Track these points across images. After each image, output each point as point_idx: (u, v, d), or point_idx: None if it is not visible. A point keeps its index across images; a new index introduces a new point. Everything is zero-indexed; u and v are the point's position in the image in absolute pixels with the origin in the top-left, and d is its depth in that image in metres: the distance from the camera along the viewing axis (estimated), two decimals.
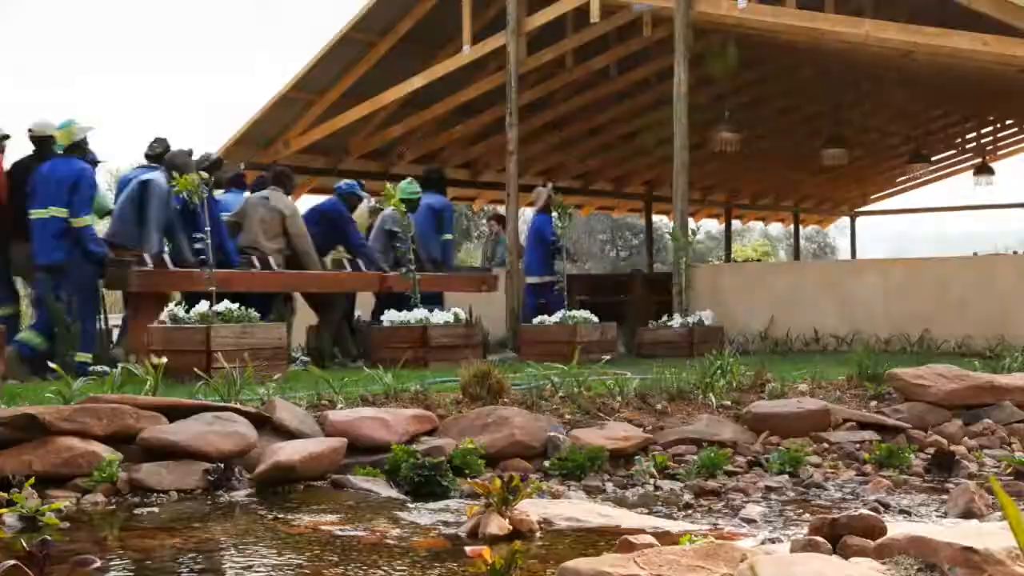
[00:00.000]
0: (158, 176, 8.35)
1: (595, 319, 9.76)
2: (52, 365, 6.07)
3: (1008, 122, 19.73)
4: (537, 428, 5.06)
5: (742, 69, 14.70)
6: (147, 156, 8.79)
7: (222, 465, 4.29)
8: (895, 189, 24.02)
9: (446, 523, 3.75)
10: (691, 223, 11.97)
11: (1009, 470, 4.95)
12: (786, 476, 4.84)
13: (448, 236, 10.92)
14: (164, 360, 5.29)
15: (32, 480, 3.87)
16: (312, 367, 7.07)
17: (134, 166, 9.46)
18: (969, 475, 4.88)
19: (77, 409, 4.36)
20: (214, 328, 6.85)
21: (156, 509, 3.94)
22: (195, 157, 8.83)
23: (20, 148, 8.44)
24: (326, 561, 3.22)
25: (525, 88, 13.25)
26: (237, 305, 7.15)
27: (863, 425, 5.57)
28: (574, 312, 9.64)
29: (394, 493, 4.31)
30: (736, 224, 26.76)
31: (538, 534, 3.53)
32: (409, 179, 10.46)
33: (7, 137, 8.32)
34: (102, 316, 8.33)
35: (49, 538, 2.81)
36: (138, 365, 5.78)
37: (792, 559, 2.34)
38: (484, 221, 11.77)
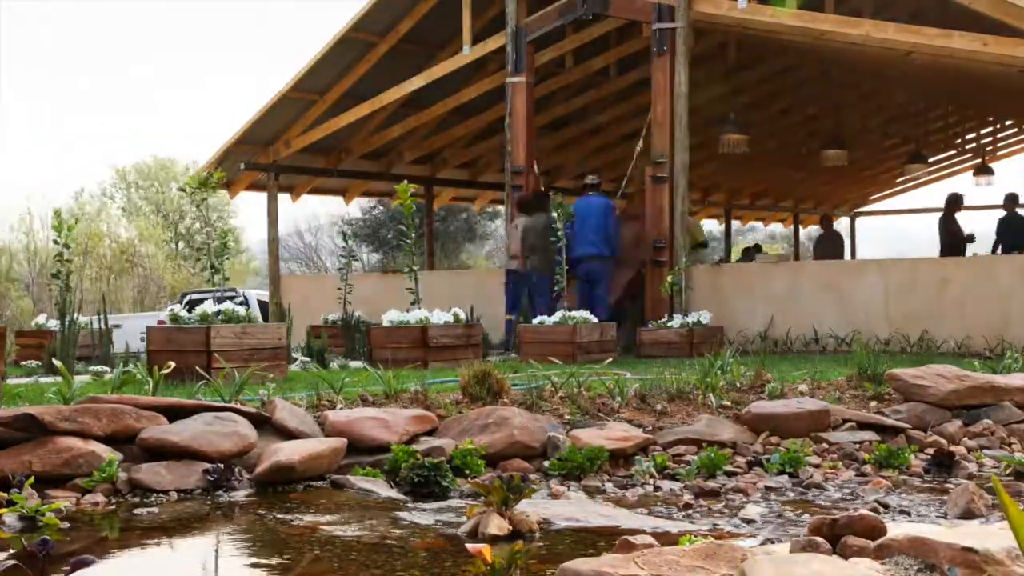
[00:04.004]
0: None
1: (594, 319, 9.77)
2: None
3: (1008, 122, 19.74)
4: (537, 428, 5.06)
5: (742, 70, 14.72)
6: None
7: (222, 465, 4.29)
8: (895, 189, 24.03)
9: (446, 523, 3.75)
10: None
11: (1009, 470, 4.95)
12: (786, 476, 4.84)
13: None
14: (171, 365, 5.30)
15: (32, 480, 3.87)
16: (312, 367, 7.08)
17: None
18: (969, 475, 4.88)
19: (77, 409, 4.35)
20: (214, 328, 6.85)
21: (156, 509, 3.94)
22: None
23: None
24: (326, 561, 3.22)
25: None
26: None
27: (863, 425, 5.57)
28: (573, 312, 9.65)
29: (394, 493, 4.31)
30: (736, 224, 26.77)
31: (538, 534, 3.53)
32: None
33: None
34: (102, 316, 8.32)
35: (49, 538, 2.81)
36: None
37: (792, 559, 2.34)
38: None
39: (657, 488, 4.63)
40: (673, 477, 4.82)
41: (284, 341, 7.61)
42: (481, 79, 13.99)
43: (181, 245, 37.74)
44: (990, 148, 20.82)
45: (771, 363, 7.50)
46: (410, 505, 4.10)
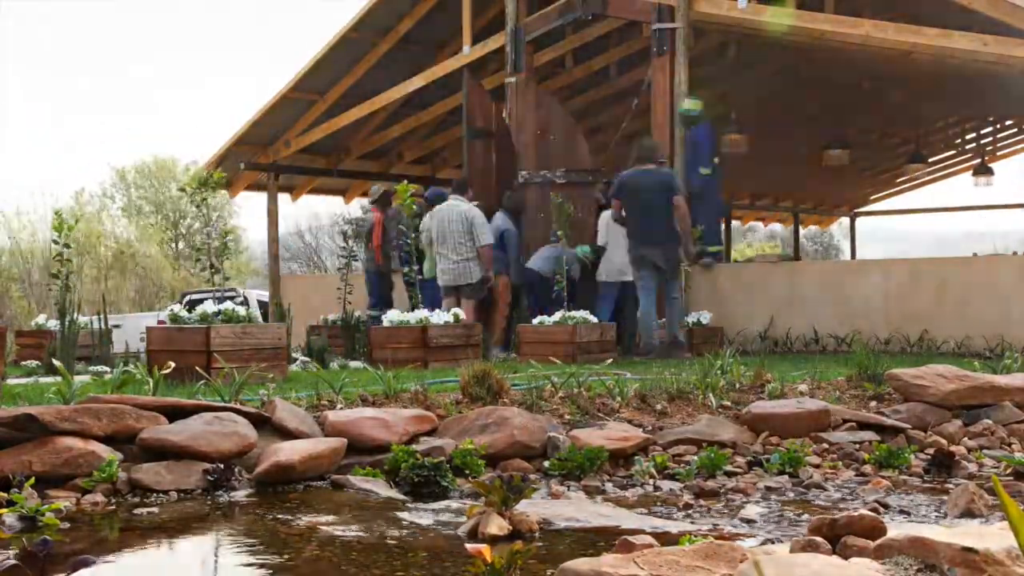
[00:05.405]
0: None
1: (594, 319, 9.77)
2: None
3: (1008, 122, 19.74)
4: (537, 428, 5.06)
5: (742, 70, 14.71)
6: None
7: (222, 465, 4.29)
8: (895, 189, 24.03)
9: (446, 523, 3.75)
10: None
11: (1009, 471, 4.95)
12: (786, 476, 4.84)
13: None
14: (171, 365, 5.30)
15: (32, 480, 3.87)
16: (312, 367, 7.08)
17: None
18: (969, 475, 4.88)
19: (77, 409, 4.35)
20: (214, 328, 6.85)
21: (156, 509, 3.94)
22: None
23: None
24: (325, 561, 3.22)
25: None
26: None
27: (863, 425, 5.56)
28: (573, 312, 9.64)
29: (394, 493, 4.31)
30: (736, 224, 26.77)
31: (538, 534, 3.53)
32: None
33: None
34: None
35: (49, 538, 2.81)
36: None
37: (792, 559, 2.34)
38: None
39: (657, 488, 4.63)
40: (673, 477, 4.82)
41: (284, 341, 7.60)
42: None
43: (181, 245, 37.73)
44: (990, 148, 20.82)
45: (771, 363, 7.50)
46: (410, 505, 4.10)
